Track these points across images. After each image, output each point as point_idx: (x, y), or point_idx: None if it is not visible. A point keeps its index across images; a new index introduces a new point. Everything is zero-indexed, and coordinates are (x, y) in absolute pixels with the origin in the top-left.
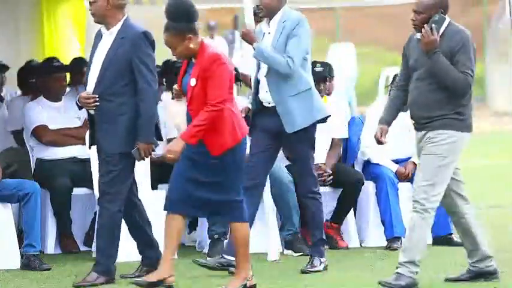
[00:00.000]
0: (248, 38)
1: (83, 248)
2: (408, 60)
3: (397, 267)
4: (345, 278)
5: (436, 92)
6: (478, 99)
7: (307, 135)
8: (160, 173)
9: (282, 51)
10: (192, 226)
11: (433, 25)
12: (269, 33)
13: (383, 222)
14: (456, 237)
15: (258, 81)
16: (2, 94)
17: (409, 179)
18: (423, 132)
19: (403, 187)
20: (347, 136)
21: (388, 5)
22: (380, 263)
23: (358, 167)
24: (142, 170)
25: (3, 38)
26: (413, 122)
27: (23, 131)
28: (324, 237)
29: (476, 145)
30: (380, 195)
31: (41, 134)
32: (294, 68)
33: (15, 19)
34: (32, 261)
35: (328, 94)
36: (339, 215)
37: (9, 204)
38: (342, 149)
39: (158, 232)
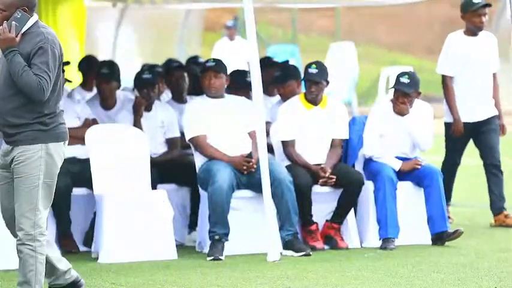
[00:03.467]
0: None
1: (82, 248)
2: None
3: None
4: (345, 278)
5: (17, 97)
6: None
7: None
8: (160, 173)
9: None
10: (192, 226)
11: (13, 22)
12: None
13: (378, 222)
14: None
15: None
16: None
17: (410, 177)
18: (9, 147)
19: (403, 186)
20: (348, 137)
21: (388, 4)
22: (380, 263)
23: (358, 168)
24: (142, 170)
25: None
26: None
27: None
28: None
29: None
30: (377, 194)
31: None
32: None
33: None
34: None
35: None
36: (339, 215)
37: None
38: (342, 149)
39: (157, 232)
